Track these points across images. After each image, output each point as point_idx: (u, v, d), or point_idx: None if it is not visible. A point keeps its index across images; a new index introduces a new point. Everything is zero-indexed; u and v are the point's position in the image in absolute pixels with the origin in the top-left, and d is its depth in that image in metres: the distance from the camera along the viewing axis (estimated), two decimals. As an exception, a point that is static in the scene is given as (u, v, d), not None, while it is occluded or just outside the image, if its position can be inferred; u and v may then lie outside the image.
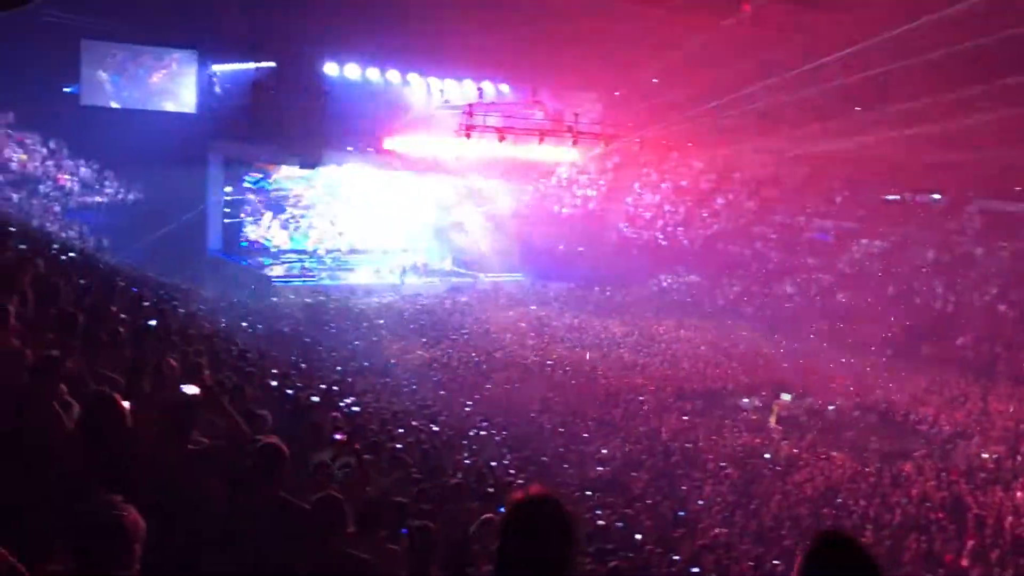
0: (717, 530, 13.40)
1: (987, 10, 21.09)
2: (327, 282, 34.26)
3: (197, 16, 28.73)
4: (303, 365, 18.15)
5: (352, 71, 33.99)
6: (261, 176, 35.42)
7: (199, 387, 5.26)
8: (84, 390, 4.59)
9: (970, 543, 12.90)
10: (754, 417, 21.23)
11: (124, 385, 5.37)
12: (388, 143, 35.98)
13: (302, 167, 35.70)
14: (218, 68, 34.45)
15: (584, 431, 18.93)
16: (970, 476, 16.66)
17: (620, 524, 12.20)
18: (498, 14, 27.49)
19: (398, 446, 10.73)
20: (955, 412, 21.64)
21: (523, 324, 30.04)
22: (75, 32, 31.10)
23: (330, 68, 33.52)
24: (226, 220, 35.56)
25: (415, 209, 39.56)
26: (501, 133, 32.25)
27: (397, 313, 29.97)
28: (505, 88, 37.15)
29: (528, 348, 26.48)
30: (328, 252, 37.22)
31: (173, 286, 22.61)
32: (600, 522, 11.89)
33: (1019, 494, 15.57)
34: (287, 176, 36.60)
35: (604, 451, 17.67)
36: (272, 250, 36.52)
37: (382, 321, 28.15)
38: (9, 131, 30.30)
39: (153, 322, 9.90)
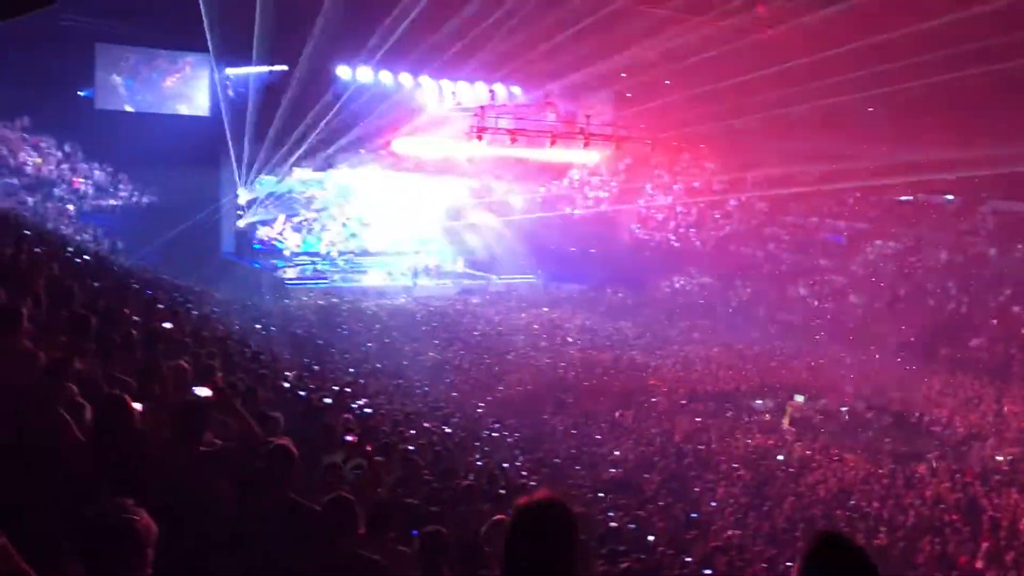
0: (730, 532, 13.37)
1: (997, 10, 21.07)
2: (340, 284, 34.29)
3: (211, 20, 28.85)
4: (316, 367, 18.19)
5: (364, 74, 34.05)
6: (274, 179, 35.51)
7: (211, 389, 5.29)
8: (96, 392, 4.61)
9: (984, 545, 12.82)
10: (767, 419, 21.17)
11: (136, 387, 5.39)
12: (400, 145, 36.04)
13: (315, 170, 35.85)
14: (232, 72, 34.60)
15: (596, 433, 18.92)
16: (985, 478, 16.56)
17: (632, 526, 12.18)
18: (510, 16, 27.53)
19: (410, 448, 10.73)
20: (969, 414, 21.51)
21: (535, 326, 30.04)
22: (89, 36, 31.32)
23: (343, 71, 33.61)
24: (239, 223, 35.72)
25: (427, 211, 39.60)
26: (513, 135, 32.27)
27: (409, 315, 30.01)
28: (517, 90, 37.15)
29: (540, 350, 26.47)
30: (341, 254, 37.28)
31: (187, 288, 22.71)
32: (612, 524, 11.88)
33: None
34: (300, 179, 36.68)
35: (616, 453, 17.66)
36: (285, 253, 36.62)
37: (394, 323, 28.18)
38: (24, 135, 30.51)
39: (167, 324, 9.95)
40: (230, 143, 33.42)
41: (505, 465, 13.92)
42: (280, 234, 37.05)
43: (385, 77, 34.74)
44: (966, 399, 23.01)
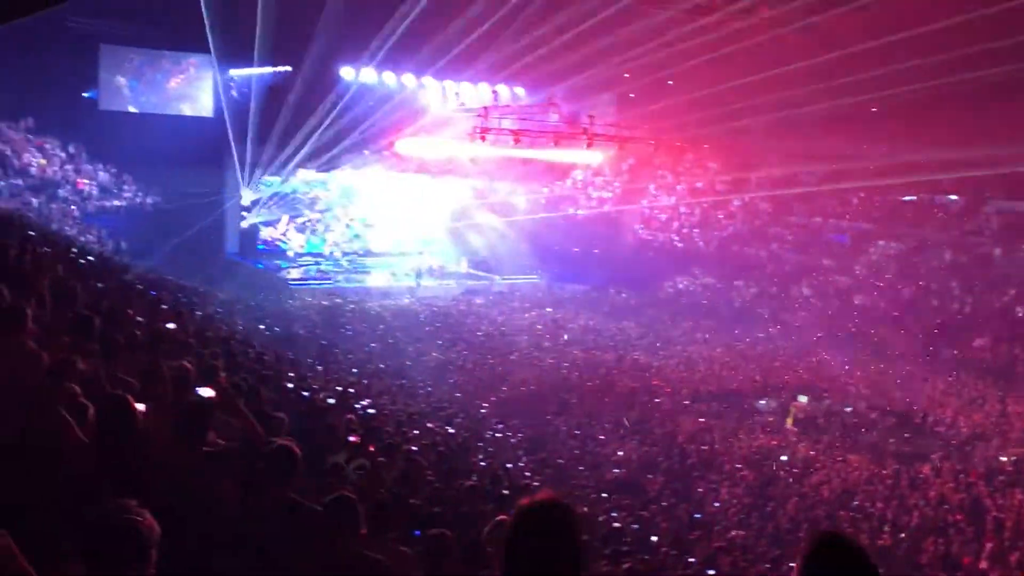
0: (733, 532, 13.37)
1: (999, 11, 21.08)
2: (343, 285, 34.32)
3: (212, 21, 28.90)
4: (319, 367, 18.22)
5: (368, 75, 34.10)
6: (278, 179, 35.55)
7: (215, 390, 5.30)
8: (99, 393, 4.62)
9: (988, 545, 12.81)
10: (771, 419, 21.15)
11: (139, 388, 5.40)
12: (404, 146, 36.07)
13: (319, 170, 35.88)
14: (235, 72, 34.66)
15: (600, 433, 18.92)
16: (989, 478, 16.53)
17: (636, 526, 12.19)
18: (513, 17, 27.54)
19: (413, 448, 10.74)
20: (973, 414, 21.48)
21: (539, 326, 30.04)
22: (94, 38, 31.39)
23: (346, 72, 33.66)
24: (243, 223, 35.78)
25: (431, 212, 39.67)
26: (516, 136, 32.27)
27: (413, 315, 30.02)
28: (520, 91, 37.18)
29: (544, 350, 26.48)
30: (344, 255, 37.34)
31: (191, 289, 22.75)
32: (616, 524, 11.88)
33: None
34: (304, 179, 36.73)
35: (620, 453, 17.66)
36: (289, 253, 36.67)
37: (398, 324, 28.20)
38: (29, 136, 30.56)
39: (171, 325, 9.96)
40: (233, 144, 33.47)
41: (508, 465, 13.93)
42: (284, 235, 37.12)
43: (389, 78, 34.81)
44: (970, 399, 22.97)
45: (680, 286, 37.23)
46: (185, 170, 30.53)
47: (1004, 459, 17.97)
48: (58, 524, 3.05)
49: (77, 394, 4.42)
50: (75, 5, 26.40)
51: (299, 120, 32.27)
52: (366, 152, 35.58)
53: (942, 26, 22.20)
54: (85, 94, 33.15)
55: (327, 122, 32.69)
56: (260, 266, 34.98)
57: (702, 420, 20.29)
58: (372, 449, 8.30)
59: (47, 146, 31.00)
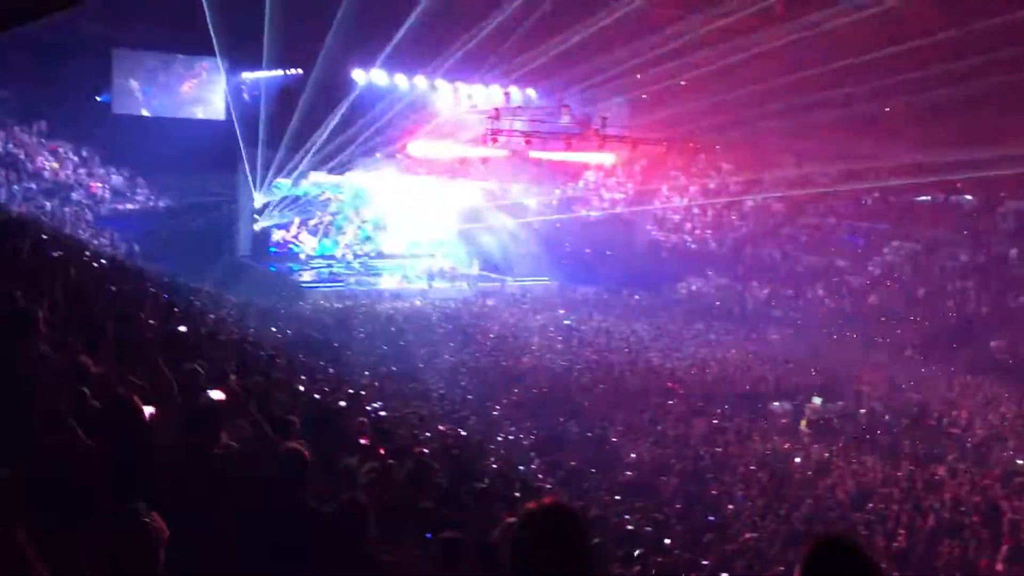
0: (747, 534, 13.29)
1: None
2: (355, 287, 34.36)
3: (220, 25, 29.00)
4: (331, 370, 18.22)
5: (379, 77, 34.16)
6: (290, 182, 35.65)
7: (225, 393, 5.29)
8: (110, 396, 4.61)
9: (1005, 548, 12.70)
10: (784, 421, 21.05)
11: (150, 391, 5.39)
12: (416, 148, 36.13)
13: (330, 173, 35.95)
14: (247, 76, 34.78)
15: (613, 435, 18.85)
16: (1005, 480, 16.40)
17: (649, 528, 12.12)
18: (524, 18, 27.54)
19: (425, 450, 10.72)
20: (989, 415, 21.32)
21: (551, 328, 29.97)
22: (107, 42, 31.55)
23: (358, 75, 33.71)
24: (255, 226, 35.89)
25: (442, 214, 39.70)
26: (528, 138, 32.25)
27: (425, 318, 30.01)
28: (532, 92, 37.17)
29: (556, 352, 26.41)
30: (356, 257, 37.41)
31: (203, 292, 22.81)
32: (629, 527, 11.82)
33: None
34: (316, 182, 36.81)
35: (633, 455, 17.59)
36: (301, 256, 36.76)
37: (410, 326, 28.20)
38: (42, 140, 30.75)
39: (182, 328, 9.97)
40: (244, 147, 33.57)
41: (521, 468, 13.89)
42: (296, 237, 37.23)
43: (400, 80, 34.87)
44: (986, 401, 22.81)
45: (693, 287, 37.14)
46: (198, 173, 30.68)
47: (1020, 461, 17.82)
48: (69, 526, 3.04)
49: (89, 397, 4.42)
50: (88, 10, 26.51)
51: (311, 123, 32.36)
52: (378, 154, 35.66)
53: (955, 30, 22.15)
54: (98, 98, 33.34)
55: (339, 125, 32.76)
56: (272, 269, 35.07)
57: (715, 422, 20.19)
58: (384, 452, 8.28)
59: (60, 150, 31.20)
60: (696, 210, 40.03)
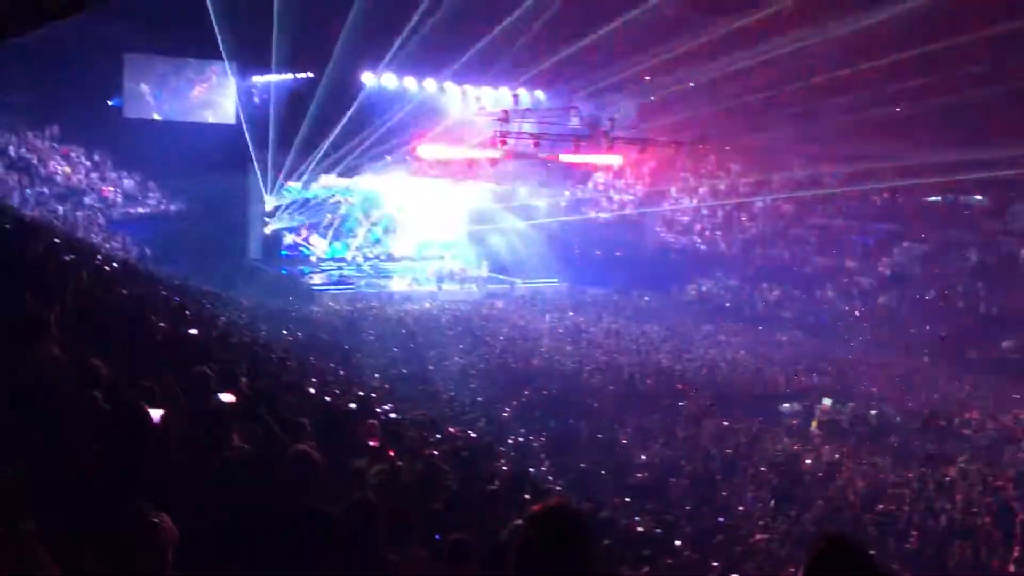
0: (758, 536, 13.27)
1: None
2: (365, 289, 34.41)
3: (228, 28, 29.10)
4: (342, 372, 18.26)
5: (389, 80, 34.22)
6: (300, 185, 35.73)
7: (236, 395, 5.33)
8: (121, 399, 4.65)
9: (1017, 550, 12.65)
10: (795, 422, 21.01)
11: (161, 393, 5.43)
12: (425, 151, 36.13)
13: (340, 176, 36.00)
14: (257, 79, 34.88)
15: (622, 437, 18.84)
16: (1017, 481, 16.33)
17: (659, 530, 12.12)
18: (533, 21, 27.57)
19: (435, 452, 10.74)
20: (1001, 416, 21.24)
21: (561, 330, 29.98)
22: (118, 46, 31.67)
23: (367, 78, 33.77)
24: (266, 229, 35.99)
25: (452, 216, 39.73)
26: (537, 139, 32.26)
27: (434, 320, 30.04)
28: (541, 95, 37.17)
29: (566, 354, 26.40)
30: (366, 260, 37.47)
31: (214, 295, 22.90)
32: (639, 528, 11.82)
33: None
34: (326, 185, 36.87)
35: (643, 457, 17.58)
36: (311, 258, 36.83)
37: (419, 328, 28.23)
38: (54, 144, 30.91)
39: (193, 331, 10.03)
40: (255, 150, 33.66)
41: (531, 470, 13.90)
42: (306, 240, 37.29)
43: (409, 83, 34.90)
44: (997, 401, 22.73)
45: (703, 289, 37.11)
46: (209, 177, 30.75)
47: (1032, 462, 17.76)
48: (78, 527, 3.07)
49: (99, 400, 4.45)
50: (99, 14, 26.62)
51: (321, 126, 32.43)
52: (387, 157, 35.66)
53: (966, 32, 22.10)
54: (110, 102, 33.50)
55: (348, 127, 32.83)
56: (283, 272, 35.15)
57: (726, 423, 20.15)
58: (393, 454, 8.31)
59: (72, 154, 31.36)
60: (705, 211, 39.98)
